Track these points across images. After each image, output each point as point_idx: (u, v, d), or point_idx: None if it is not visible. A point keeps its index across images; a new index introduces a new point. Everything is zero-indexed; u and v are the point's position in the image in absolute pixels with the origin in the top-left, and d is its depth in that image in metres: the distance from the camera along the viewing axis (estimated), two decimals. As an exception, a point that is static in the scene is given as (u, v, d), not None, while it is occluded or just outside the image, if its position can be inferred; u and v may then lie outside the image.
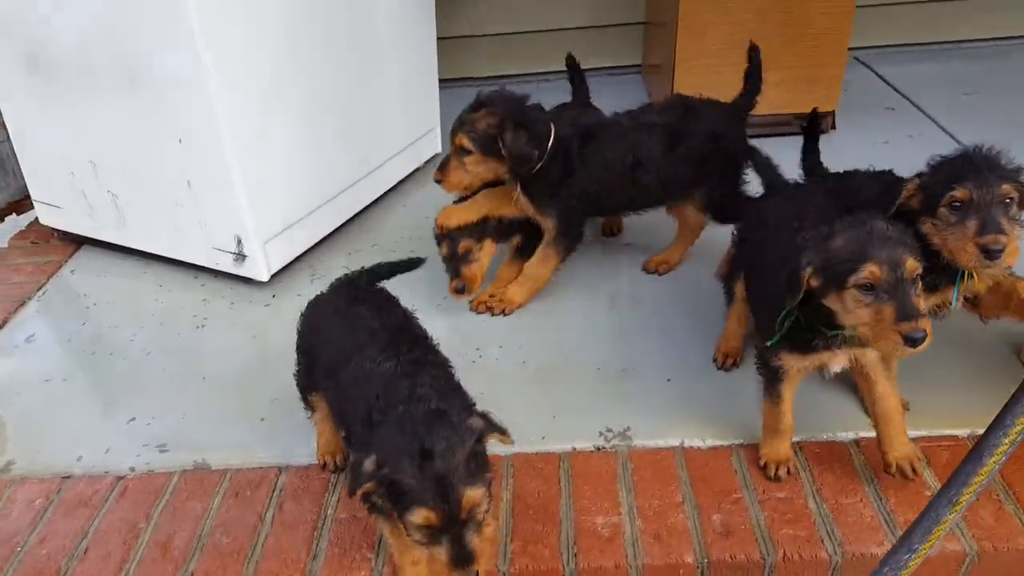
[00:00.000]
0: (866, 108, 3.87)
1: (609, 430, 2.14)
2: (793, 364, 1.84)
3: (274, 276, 2.90)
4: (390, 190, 3.49)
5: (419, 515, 1.38)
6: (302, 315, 2.11)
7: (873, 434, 1.94)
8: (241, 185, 2.61)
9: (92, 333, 2.76)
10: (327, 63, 2.88)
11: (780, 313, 1.77)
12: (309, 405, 2.07)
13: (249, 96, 2.56)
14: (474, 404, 1.70)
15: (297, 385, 2.09)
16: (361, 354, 1.73)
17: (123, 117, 2.64)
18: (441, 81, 3.78)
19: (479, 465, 1.44)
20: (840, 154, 3.62)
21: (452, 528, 1.39)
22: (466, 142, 2.43)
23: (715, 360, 2.36)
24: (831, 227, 1.67)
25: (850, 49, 4.18)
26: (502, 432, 1.54)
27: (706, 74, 3.46)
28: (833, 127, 3.65)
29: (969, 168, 1.81)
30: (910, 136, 3.60)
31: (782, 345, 1.82)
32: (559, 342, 2.53)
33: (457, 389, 1.73)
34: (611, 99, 4.18)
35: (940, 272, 1.91)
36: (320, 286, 2.87)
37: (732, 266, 2.39)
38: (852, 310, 1.61)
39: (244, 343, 2.64)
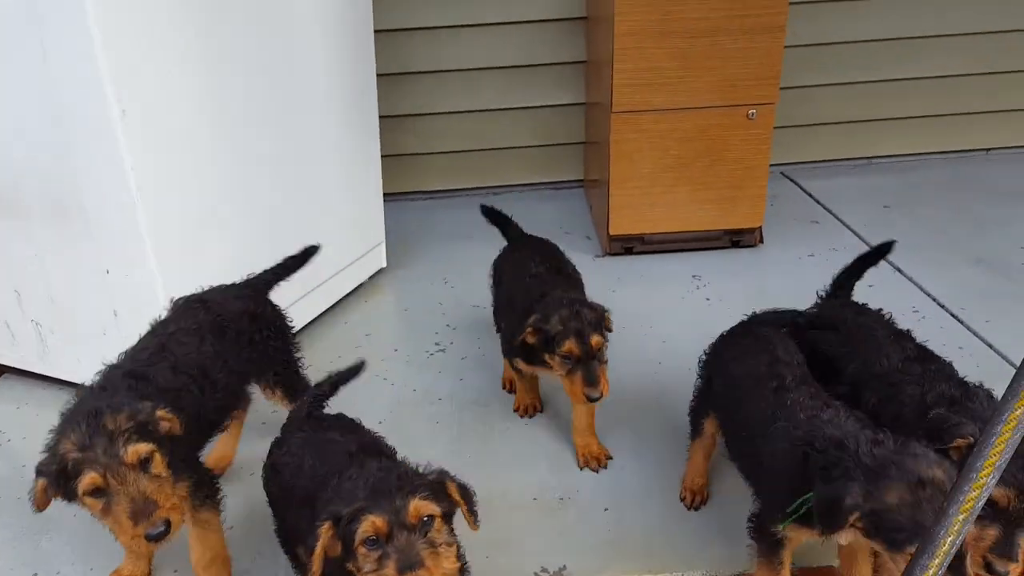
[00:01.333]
0: (792, 222, 4.07)
1: (544, 570, 2.08)
2: (802, 536, 1.73)
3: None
4: (331, 307, 3.48)
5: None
6: (266, 466, 1.97)
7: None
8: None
9: (2, 473, 2.62)
10: (265, 187, 2.91)
11: (786, 489, 1.67)
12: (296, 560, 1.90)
13: (182, 223, 2.56)
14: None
15: (280, 544, 1.93)
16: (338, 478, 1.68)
17: (50, 246, 2.61)
18: (387, 195, 3.86)
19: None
20: (769, 267, 3.83)
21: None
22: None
23: (682, 499, 2.30)
24: (875, 457, 1.53)
25: (775, 164, 4.46)
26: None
27: (636, 194, 3.63)
28: (761, 241, 3.82)
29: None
30: (834, 249, 3.78)
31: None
32: (494, 468, 2.48)
33: None
34: (556, 215, 4.36)
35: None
36: (251, 410, 2.81)
37: (700, 402, 2.27)
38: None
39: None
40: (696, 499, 2.26)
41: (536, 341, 2.31)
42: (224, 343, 2.13)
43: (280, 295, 3.03)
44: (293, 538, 1.85)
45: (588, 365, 2.20)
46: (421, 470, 1.60)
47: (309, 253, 2.59)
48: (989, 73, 4.54)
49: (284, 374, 2.41)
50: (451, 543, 1.49)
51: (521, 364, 2.50)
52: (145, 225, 2.43)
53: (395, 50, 4.25)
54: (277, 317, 2.42)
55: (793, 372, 1.92)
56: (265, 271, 2.48)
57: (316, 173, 3.20)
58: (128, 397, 1.78)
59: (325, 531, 1.46)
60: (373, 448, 1.87)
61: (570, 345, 2.19)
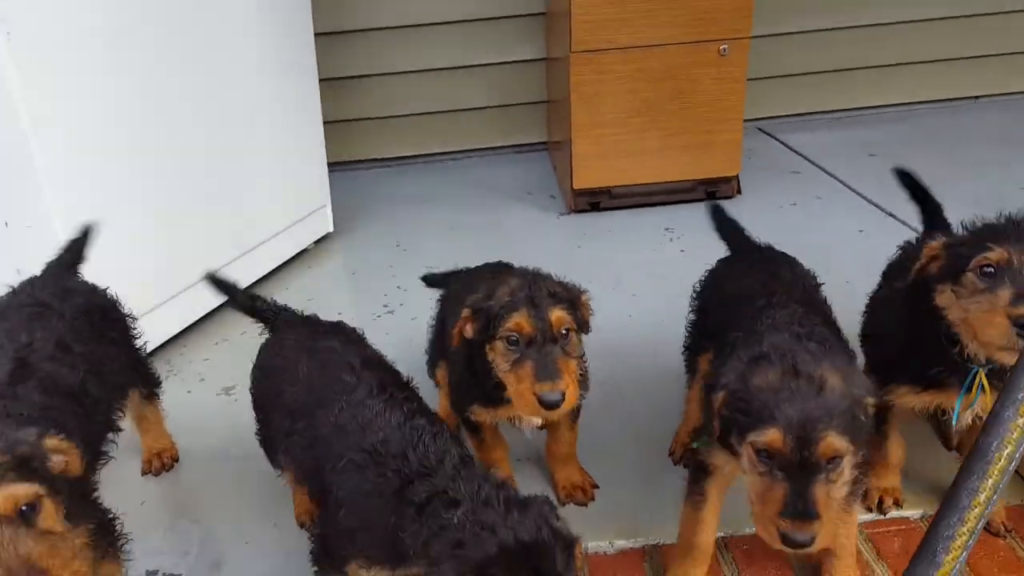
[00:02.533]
0: (771, 174, 3.82)
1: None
2: (722, 463, 1.50)
3: (121, 375, 2.51)
4: (273, 272, 3.17)
5: None
6: (255, 365, 1.83)
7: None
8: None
9: None
10: (186, 130, 2.61)
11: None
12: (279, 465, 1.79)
13: (83, 168, 2.26)
14: None
15: (261, 445, 1.83)
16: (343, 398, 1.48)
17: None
18: (334, 164, 3.57)
19: None
20: (748, 217, 3.51)
21: None
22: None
23: (671, 453, 2.05)
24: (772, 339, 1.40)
25: (752, 120, 4.21)
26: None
27: (601, 143, 3.35)
28: (739, 192, 3.56)
29: (1010, 230, 1.50)
30: (818, 197, 3.53)
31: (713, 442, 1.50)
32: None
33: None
34: (518, 178, 4.08)
35: (949, 366, 1.56)
36: (178, 383, 2.51)
37: (693, 337, 2.02)
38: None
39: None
40: (687, 453, 1.98)
41: (476, 331, 1.63)
42: (90, 348, 1.71)
43: (205, 258, 2.75)
44: (276, 444, 1.70)
45: (544, 350, 1.53)
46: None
47: (87, 233, 2.06)
48: (972, 15, 4.31)
49: (144, 374, 2.03)
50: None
51: (479, 411, 1.78)
52: (43, 170, 2.14)
53: (339, 6, 3.95)
54: (116, 306, 1.96)
55: (788, 291, 1.66)
56: (61, 256, 1.98)
57: (248, 134, 2.91)
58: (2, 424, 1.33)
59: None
60: (377, 363, 1.64)
61: (518, 319, 1.54)
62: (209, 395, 2.42)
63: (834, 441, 1.22)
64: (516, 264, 2.05)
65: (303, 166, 3.27)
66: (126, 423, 1.96)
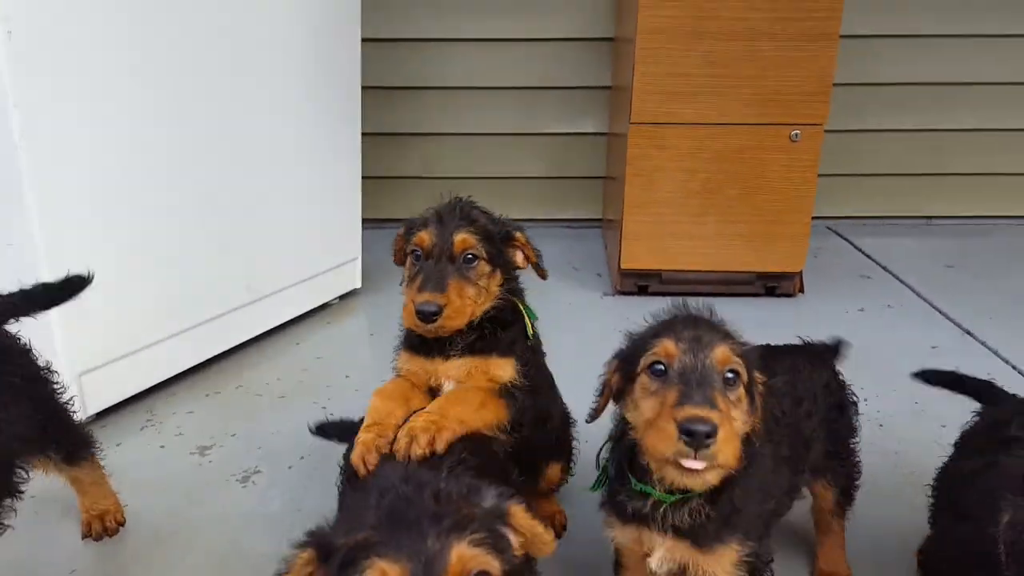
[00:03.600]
0: (838, 275, 3.47)
1: None
2: (619, 534, 1.30)
3: (96, 417, 2.29)
4: (287, 324, 2.96)
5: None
6: None
7: None
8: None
9: None
10: (205, 158, 2.45)
11: None
12: None
13: (76, 188, 2.09)
14: None
15: None
16: None
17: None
18: (371, 220, 3.41)
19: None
20: (809, 319, 3.21)
21: None
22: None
23: None
24: None
25: (820, 218, 3.90)
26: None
27: (654, 222, 3.08)
28: (801, 290, 3.22)
29: None
30: (889, 306, 3.16)
31: (607, 500, 1.33)
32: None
33: None
34: (565, 252, 3.83)
35: None
36: (153, 436, 2.27)
37: None
38: (639, 403, 1.19)
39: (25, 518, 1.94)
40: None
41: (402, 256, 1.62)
42: None
43: (210, 302, 2.56)
44: None
45: (436, 265, 1.49)
46: None
47: (75, 284, 1.73)
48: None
49: (62, 435, 1.67)
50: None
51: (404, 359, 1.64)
52: (29, 185, 1.98)
53: (396, 62, 3.88)
54: (24, 351, 1.59)
55: None
56: (5, 297, 1.63)
57: (279, 172, 2.75)
58: None
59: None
60: None
61: (422, 235, 1.51)
62: (182, 453, 2.16)
63: (729, 351, 1.15)
64: (550, 348, 1.81)
65: (336, 215, 3.09)
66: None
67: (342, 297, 3.25)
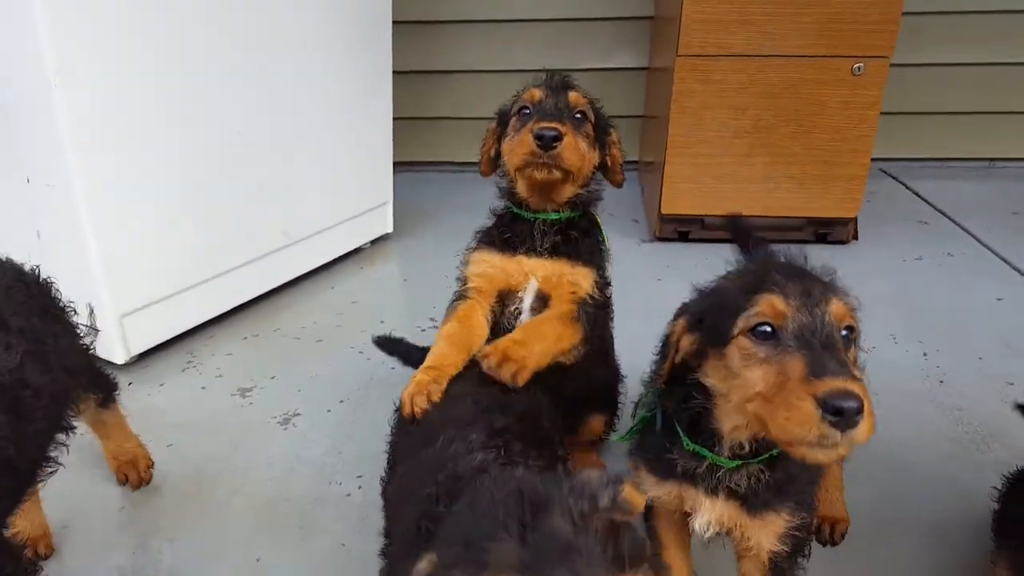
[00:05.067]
0: (895, 222, 3.30)
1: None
2: (651, 489, 1.19)
3: (138, 359, 2.29)
4: (320, 269, 2.93)
5: None
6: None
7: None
8: (94, 237, 2.05)
9: None
10: (239, 104, 2.38)
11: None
12: None
13: (112, 128, 2.04)
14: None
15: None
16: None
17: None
18: (402, 163, 3.32)
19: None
20: (864, 268, 3.09)
21: None
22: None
23: None
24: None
25: (876, 159, 3.70)
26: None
27: (699, 164, 2.94)
28: (855, 237, 3.07)
29: None
30: (949, 254, 3.00)
31: (638, 449, 1.25)
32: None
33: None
34: (606, 194, 3.71)
35: None
36: (194, 377, 2.27)
37: None
38: (740, 372, 1.00)
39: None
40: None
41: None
42: (30, 323, 1.30)
43: (247, 245, 2.52)
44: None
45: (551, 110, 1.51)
46: None
47: None
48: None
49: (97, 376, 1.64)
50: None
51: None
52: (67, 124, 1.92)
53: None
54: (54, 292, 1.49)
55: None
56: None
57: (310, 117, 2.67)
58: None
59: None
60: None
61: (533, 91, 1.55)
62: (223, 394, 2.15)
63: (844, 305, 0.98)
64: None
65: (367, 159, 3.01)
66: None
67: (374, 242, 3.20)
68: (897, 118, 3.77)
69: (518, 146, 1.49)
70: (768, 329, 0.97)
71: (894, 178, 3.80)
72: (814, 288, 0.99)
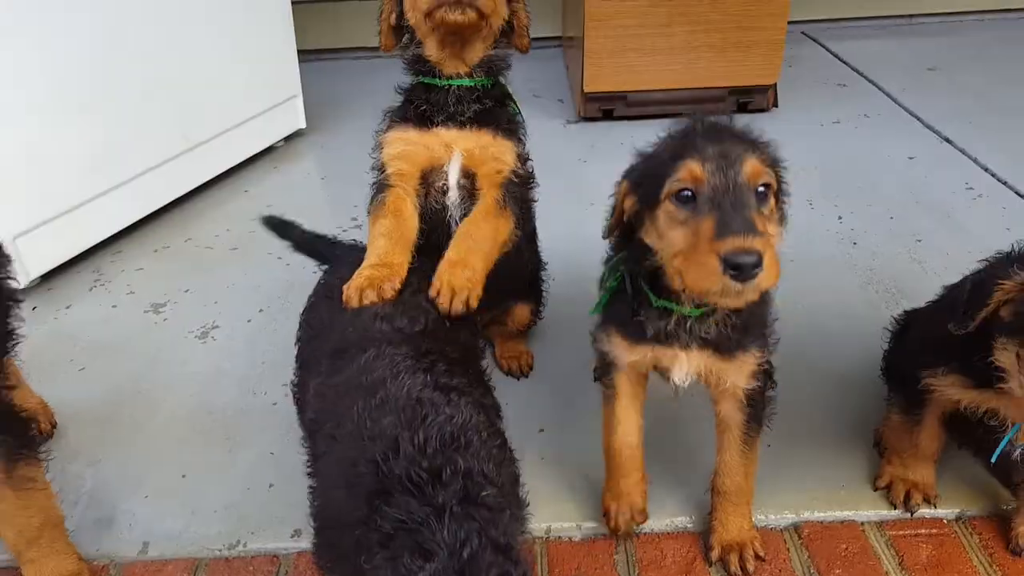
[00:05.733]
0: (814, 86, 3.30)
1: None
2: (625, 355, 1.26)
3: (41, 281, 2.18)
4: (231, 171, 2.78)
5: None
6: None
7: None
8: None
9: None
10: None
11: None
12: None
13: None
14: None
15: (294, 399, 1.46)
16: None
17: None
18: (308, 51, 3.09)
19: None
20: (783, 135, 3.01)
21: None
22: None
23: (595, 368, 1.76)
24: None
25: (795, 23, 3.64)
26: None
27: (618, 39, 2.84)
28: (775, 104, 3.06)
29: None
30: (865, 115, 3.04)
31: (609, 319, 1.28)
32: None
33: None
34: (524, 78, 3.55)
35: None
36: (103, 295, 2.18)
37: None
38: (665, 233, 1.08)
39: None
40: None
41: None
42: None
43: (146, 151, 2.36)
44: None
45: None
46: None
47: None
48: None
49: None
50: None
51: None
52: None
53: None
54: None
55: None
56: None
57: (201, 8, 2.44)
58: None
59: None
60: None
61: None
62: (136, 312, 2.08)
63: (759, 163, 1.04)
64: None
65: (267, 48, 2.79)
66: None
67: (287, 139, 3.04)
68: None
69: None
70: (688, 194, 1.04)
71: (815, 40, 3.77)
72: (732, 150, 1.04)
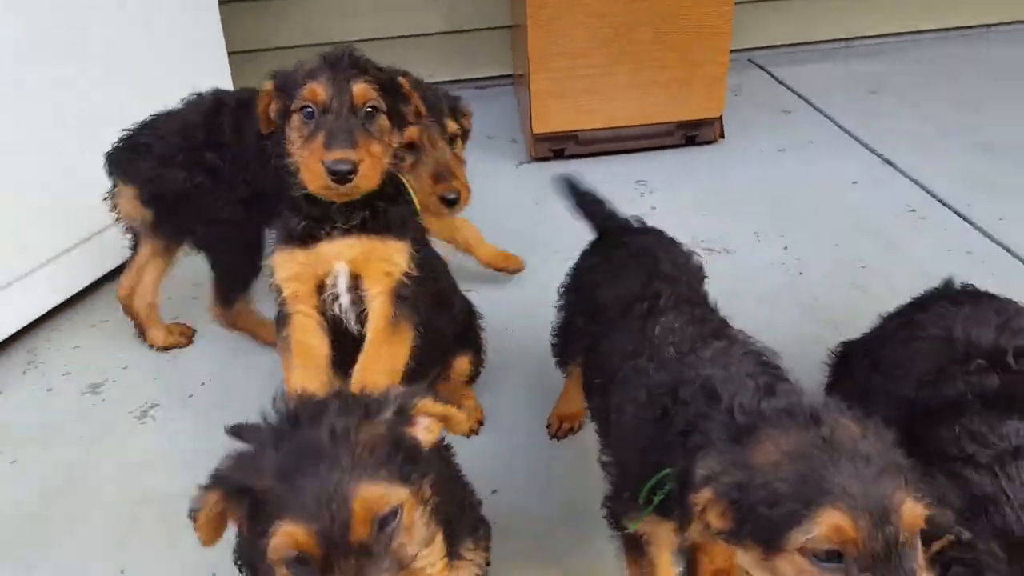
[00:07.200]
0: (760, 114, 3.34)
1: None
2: (663, 535, 1.15)
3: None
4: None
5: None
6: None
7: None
8: None
9: None
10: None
11: (638, 462, 1.10)
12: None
13: None
14: None
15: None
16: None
17: None
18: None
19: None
20: (729, 165, 3.03)
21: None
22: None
23: (549, 426, 1.81)
24: (742, 400, 0.96)
25: (738, 50, 3.69)
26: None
27: (564, 79, 2.84)
28: (721, 136, 3.08)
29: None
30: (811, 142, 3.07)
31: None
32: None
33: None
34: (478, 118, 3.53)
35: None
36: (37, 379, 2.07)
37: (563, 337, 1.69)
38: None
39: None
40: (564, 426, 1.80)
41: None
42: None
43: (85, 215, 2.23)
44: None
45: (338, 120, 1.34)
46: None
47: None
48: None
49: None
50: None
51: None
52: None
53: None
54: None
55: (676, 289, 1.33)
56: None
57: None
58: None
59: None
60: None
61: (314, 87, 1.34)
62: (72, 394, 1.99)
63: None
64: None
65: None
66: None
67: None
68: (760, 6, 3.75)
69: (311, 173, 1.35)
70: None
71: (761, 67, 3.82)
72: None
